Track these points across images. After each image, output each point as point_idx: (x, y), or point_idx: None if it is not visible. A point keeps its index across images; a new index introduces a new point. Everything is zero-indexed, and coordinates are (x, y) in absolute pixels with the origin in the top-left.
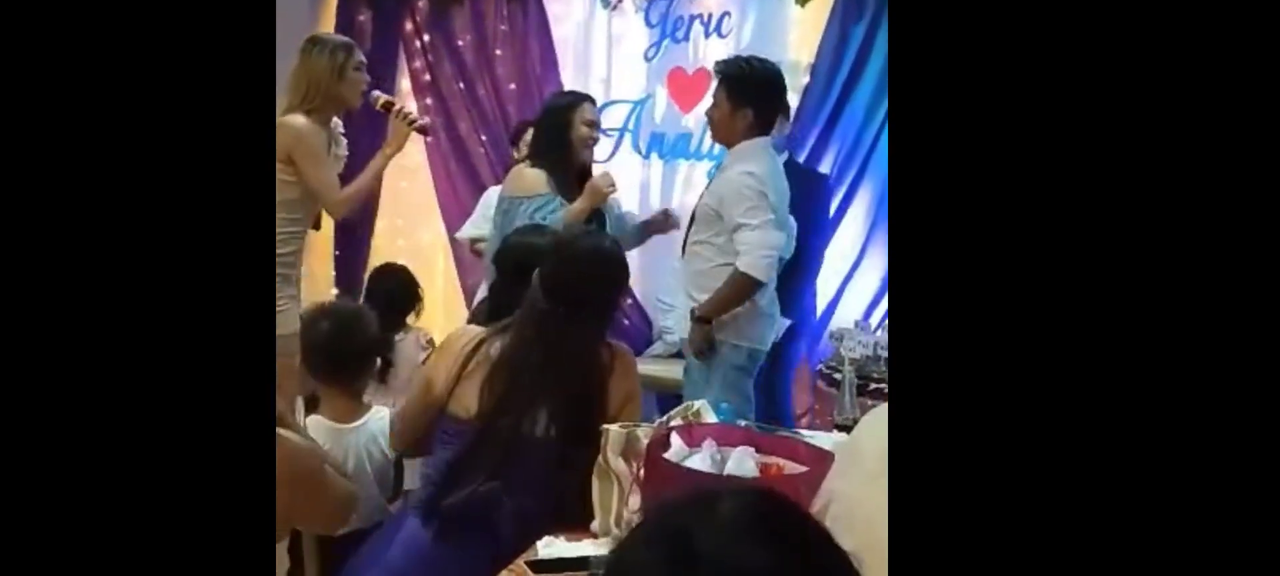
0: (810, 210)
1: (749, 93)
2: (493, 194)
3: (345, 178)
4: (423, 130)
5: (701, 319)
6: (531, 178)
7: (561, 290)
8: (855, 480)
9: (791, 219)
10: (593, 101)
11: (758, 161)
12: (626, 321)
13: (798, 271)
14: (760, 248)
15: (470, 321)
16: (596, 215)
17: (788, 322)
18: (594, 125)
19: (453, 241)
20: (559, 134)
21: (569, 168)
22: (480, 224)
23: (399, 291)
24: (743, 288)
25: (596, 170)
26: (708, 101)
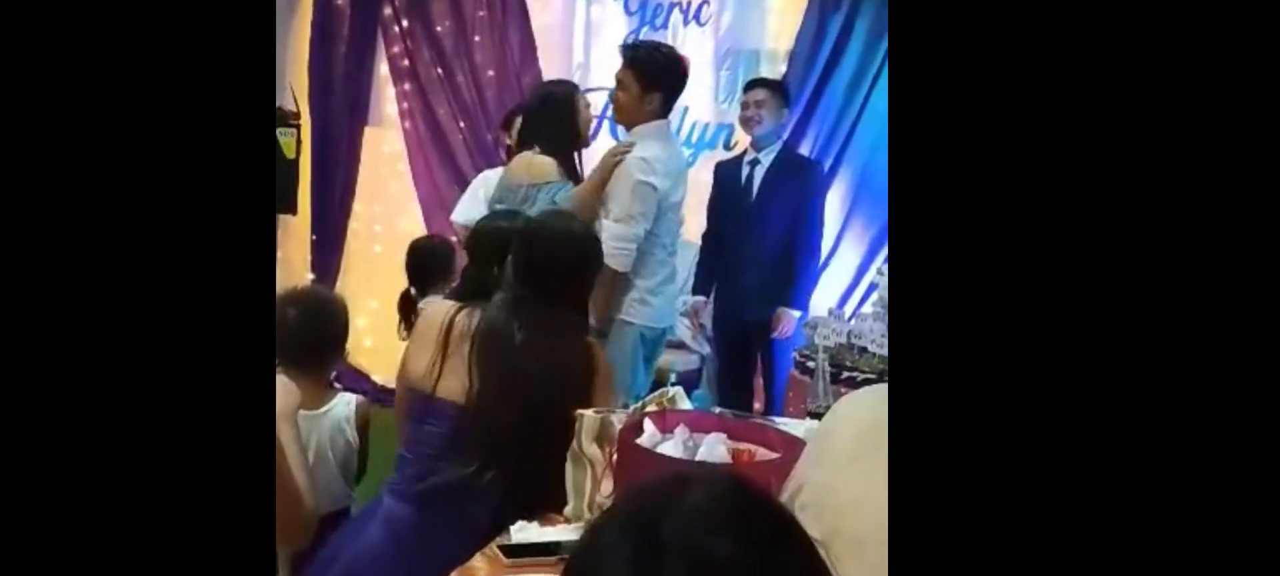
0: (807, 200)
1: (659, 78)
2: (488, 176)
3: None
4: None
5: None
6: (544, 164)
7: (533, 274)
8: (826, 467)
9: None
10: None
11: (655, 143)
12: None
13: (794, 259)
14: (617, 238)
15: None
16: None
17: (797, 314)
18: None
19: (429, 225)
20: (569, 121)
21: (575, 153)
22: (471, 209)
23: (437, 260)
24: (606, 278)
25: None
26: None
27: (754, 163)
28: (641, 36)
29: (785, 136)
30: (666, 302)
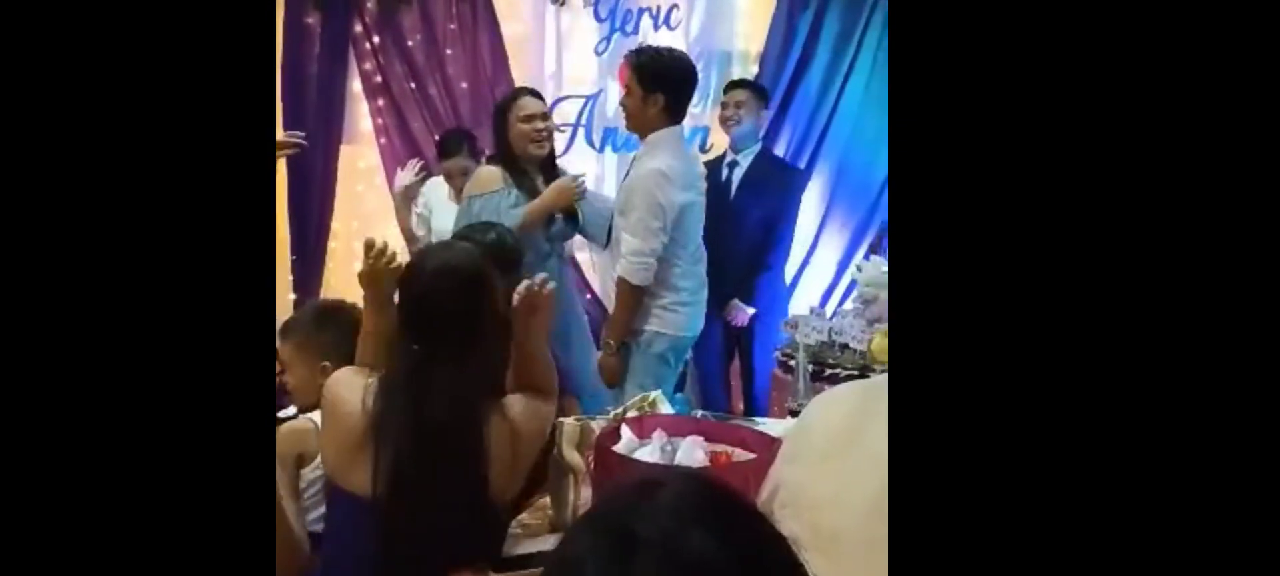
0: (783, 201)
1: (659, 79)
2: (434, 185)
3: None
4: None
5: (614, 347)
6: (486, 174)
7: (415, 321)
8: (802, 465)
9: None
10: (535, 94)
11: (668, 154)
12: (586, 316)
13: (767, 261)
14: (635, 254)
15: None
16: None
17: (751, 311)
18: (535, 117)
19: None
20: (501, 129)
21: (515, 162)
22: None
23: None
24: (626, 293)
25: (563, 166)
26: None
27: (733, 165)
28: (612, 42)
29: (762, 138)
30: (697, 310)
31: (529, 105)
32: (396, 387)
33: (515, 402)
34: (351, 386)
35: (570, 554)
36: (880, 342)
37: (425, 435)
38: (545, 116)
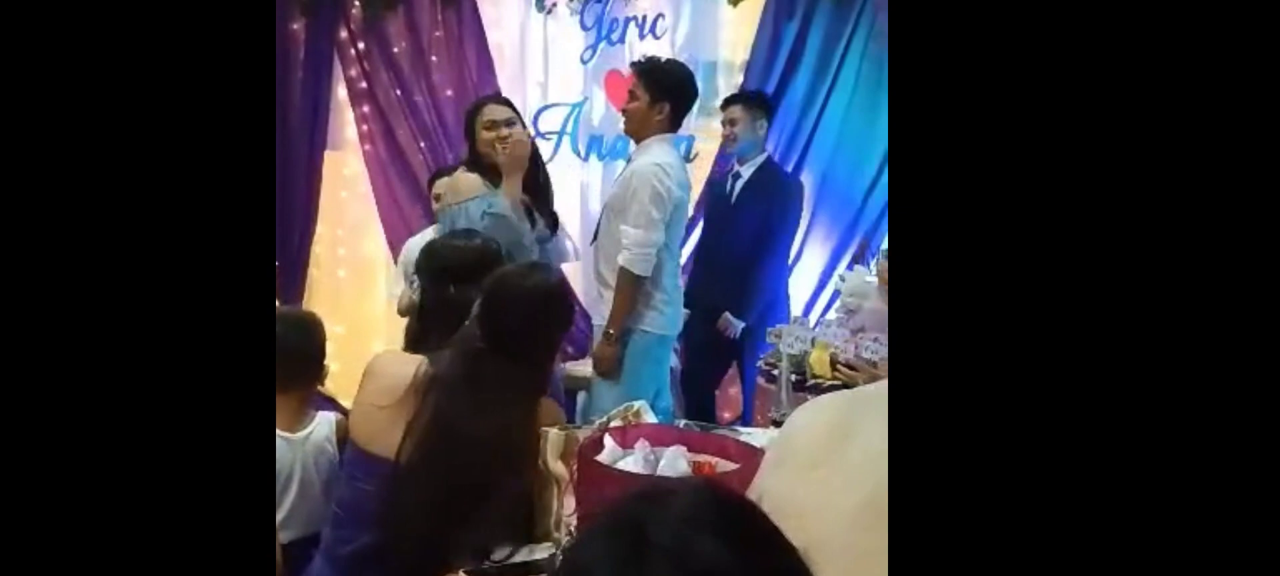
0: (785, 213)
1: (668, 89)
2: (409, 245)
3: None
4: None
5: (614, 337)
6: (468, 181)
7: (500, 332)
8: (786, 474)
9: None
10: (500, 101)
11: (664, 153)
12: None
13: (770, 274)
14: (639, 244)
15: (407, 331)
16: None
17: (742, 325)
18: (498, 123)
19: (393, 251)
20: (471, 136)
21: (486, 168)
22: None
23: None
24: (628, 284)
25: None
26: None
27: (737, 176)
28: (598, 51)
29: (769, 149)
30: (677, 309)
31: (491, 112)
32: (454, 363)
33: (546, 402)
34: (404, 359)
35: (582, 558)
36: (819, 355)
37: (471, 409)
38: (510, 122)
